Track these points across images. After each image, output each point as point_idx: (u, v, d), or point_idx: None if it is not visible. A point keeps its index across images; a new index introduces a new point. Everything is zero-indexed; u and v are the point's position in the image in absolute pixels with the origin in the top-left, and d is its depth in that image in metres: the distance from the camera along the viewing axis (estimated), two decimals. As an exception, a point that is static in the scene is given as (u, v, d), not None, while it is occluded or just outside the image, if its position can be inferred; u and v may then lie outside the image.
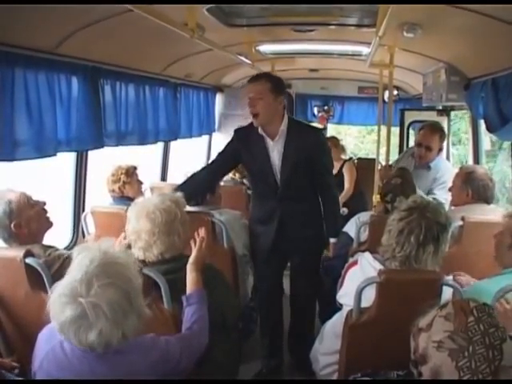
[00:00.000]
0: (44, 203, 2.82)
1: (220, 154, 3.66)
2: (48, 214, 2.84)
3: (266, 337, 3.84)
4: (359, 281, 2.25)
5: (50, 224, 2.85)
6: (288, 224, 3.50)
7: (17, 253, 2.51)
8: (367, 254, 2.45)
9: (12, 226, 2.63)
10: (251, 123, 3.45)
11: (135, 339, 1.81)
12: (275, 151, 3.41)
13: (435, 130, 4.41)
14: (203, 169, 3.72)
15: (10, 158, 2.74)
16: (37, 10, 2.45)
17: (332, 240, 3.58)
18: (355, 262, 2.55)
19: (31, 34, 2.74)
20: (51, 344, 1.80)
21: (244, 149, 3.48)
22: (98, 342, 1.66)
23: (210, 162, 3.69)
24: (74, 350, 1.73)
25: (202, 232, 2.55)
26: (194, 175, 3.61)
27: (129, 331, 1.72)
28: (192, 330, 2.17)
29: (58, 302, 1.66)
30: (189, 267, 2.35)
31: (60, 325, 1.67)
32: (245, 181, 5.19)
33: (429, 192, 4.14)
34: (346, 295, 2.44)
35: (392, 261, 2.28)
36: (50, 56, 3.01)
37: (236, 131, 3.65)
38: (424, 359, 1.43)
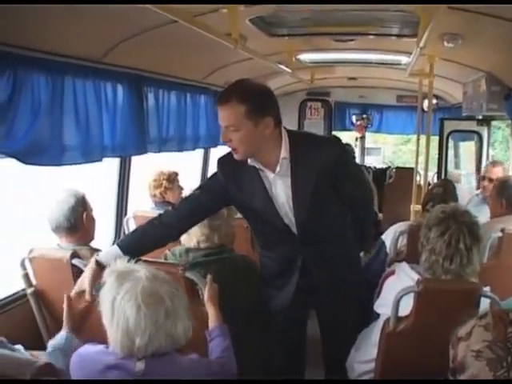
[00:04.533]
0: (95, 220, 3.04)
1: (197, 190, 2.64)
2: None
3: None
4: (396, 291, 2.26)
5: (94, 237, 3.02)
6: (313, 273, 2.62)
7: (64, 254, 2.62)
8: (404, 265, 2.46)
9: (84, 214, 2.85)
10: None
11: (180, 360, 1.85)
12: (279, 186, 2.47)
13: (497, 163, 4.64)
14: (164, 214, 2.58)
15: (58, 163, 2.82)
16: (85, 21, 2.55)
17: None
18: (392, 272, 2.57)
19: (80, 44, 2.85)
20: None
21: (233, 187, 2.51)
22: (144, 351, 1.70)
23: (175, 205, 2.68)
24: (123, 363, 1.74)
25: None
26: (147, 227, 2.56)
27: (177, 335, 1.76)
28: (222, 358, 2.15)
29: (121, 305, 1.70)
30: (206, 304, 2.32)
31: (116, 333, 1.72)
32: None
33: None
34: (383, 305, 2.45)
35: (445, 276, 2.30)
36: (97, 65, 3.10)
37: (219, 162, 2.60)
38: (462, 368, 1.44)
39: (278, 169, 2.42)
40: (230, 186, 2.50)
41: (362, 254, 3.18)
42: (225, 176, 2.52)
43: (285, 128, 2.48)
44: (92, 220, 2.94)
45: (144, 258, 2.30)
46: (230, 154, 2.48)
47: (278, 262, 2.65)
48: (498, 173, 4.46)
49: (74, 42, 2.78)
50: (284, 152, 2.40)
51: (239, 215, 3.14)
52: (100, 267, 2.29)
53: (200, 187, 2.65)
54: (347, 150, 2.79)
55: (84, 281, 2.34)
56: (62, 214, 2.82)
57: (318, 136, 2.83)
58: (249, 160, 2.42)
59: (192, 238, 2.67)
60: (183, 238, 2.71)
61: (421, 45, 2.87)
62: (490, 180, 4.46)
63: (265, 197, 2.46)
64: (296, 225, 2.51)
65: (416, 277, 2.31)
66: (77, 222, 2.84)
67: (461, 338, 1.47)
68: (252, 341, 2.66)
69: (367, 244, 3.07)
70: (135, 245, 2.46)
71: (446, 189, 3.52)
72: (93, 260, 2.38)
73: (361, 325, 2.67)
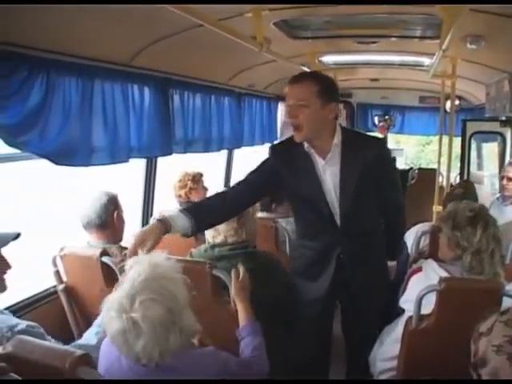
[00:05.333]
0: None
1: (251, 173, 2.76)
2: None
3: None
4: (423, 287, 2.30)
5: (122, 238, 3.11)
6: (348, 267, 2.73)
7: (94, 251, 2.70)
8: (431, 262, 2.50)
9: (115, 213, 2.95)
10: (290, 140, 2.64)
11: (192, 353, 1.85)
12: (328, 173, 2.61)
13: None
14: (223, 193, 2.77)
15: (87, 163, 2.90)
16: (114, 25, 2.63)
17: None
18: (419, 269, 2.60)
19: (109, 48, 2.93)
20: (110, 359, 1.83)
21: (285, 171, 2.66)
22: (143, 355, 1.68)
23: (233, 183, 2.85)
24: (132, 366, 1.75)
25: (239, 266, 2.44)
26: (207, 201, 2.79)
27: (169, 349, 1.70)
28: (252, 358, 2.16)
29: (107, 315, 1.70)
30: (235, 300, 2.36)
31: (110, 336, 1.73)
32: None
33: None
34: (408, 301, 2.49)
35: (490, 269, 2.36)
36: (125, 68, 3.18)
37: (272, 148, 2.82)
38: (483, 362, 1.47)
39: (329, 156, 2.58)
40: (282, 171, 2.65)
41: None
42: (278, 161, 2.68)
43: (339, 123, 2.65)
44: (122, 220, 3.04)
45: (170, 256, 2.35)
46: (283, 141, 2.85)
47: (317, 253, 2.73)
48: None
49: (103, 46, 2.86)
50: (336, 140, 2.57)
51: (261, 215, 3.24)
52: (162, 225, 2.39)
53: (253, 171, 2.75)
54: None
55: (146, 233, 2.35)
56: (94, 211, 2.92)
57: (368, 135, 3.02)
58: (305, 145, 2.58)
59: (220, 232, 2.74)
60: (209, 234, 2.78)
61: (443, 47, 2.90)
62: (509, 179, 4.49)
63: (315, 182, 2.60)
64: (340, 214, 2.64)
65: (444, 274, 2.36)
66: (107, 219, 2.93)
67: (482, 334, 1.51)
68: (277, 336, 2.69)
69: (396, 253, 3.14)
70: (200, 214, 2.55)
71: (466, 189, 3.58)
72: (155, 217, 2.61)
73: (382, 323, 2.76)
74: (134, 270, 1.77)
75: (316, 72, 2.67)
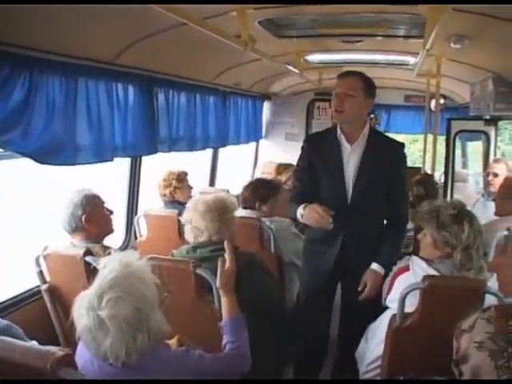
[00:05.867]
0: (112, 212, 3.10)
1: (300, 172, 3.19)
2: (113, 222, 3.11)
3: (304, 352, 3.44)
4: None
5: (112, 230, 3.09)
6: (350, 249, 3.04)
7: (77, 251, 2.68)
8: (418, 260, 2.51)
9: (83, 218, 2.89)
10: (326, 130, 3.19)
11: (161, 354, 1.82)
12: (351, 159, 3.01)
13: (500, 159, 4.83)
14: (304, 190, 3.10)
15: (71, 163, 2.88)
16: (98, 23, 2.61)
17: (376, 268, 2.98)
18: (406, 268, 2.60)
19: (93, 46, 2.91)
20: (84, 360, 1.80)
21: (316, 155, 3.07)
22: (110, 354, 1.68)
23: (298, 184, 3.18)
24: (101, 366, 1.74)
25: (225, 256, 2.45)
26: (302, 195, 3.03)
27: (135, 349, 1.69)
28: (231, 352, 2.15)
29: (77, 312, 1.70)
30: (220, 292, 2.35)
31: (79, 333, 1.72)
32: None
33: None
34: (395, 300, 2.49)
35: (478, 263, 2.40)
36: (110, 66, 3.16)
37: (308, 138, 3.45)
38: (465, 359, 1.48)
39: (356, 143, 3.01)
40: (314, 157, 3.08)
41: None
42: (311, 149, 3.12)
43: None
44: (95, 220, 2.96)
45: (154, 255, 2.34)
46: (316, 133, 3.44)
47: (326, 232, 2.90)
48: (501, 169, 4.57)
49: (87, 44, 2.84)
50: (365, 131, 3.02)
51: (245, 213, 3.25)
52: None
53: (299, 170, 3.20)
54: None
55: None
56: (64, 220, 2.92)
57: (391, 137, 3.36)
58: (338, 132, 3.03)
59: (203, 231, 2.71)
60: (191, 234, 2.75)
61: (427, 46, 2.91)
62: (495, 175, 4.60)
63: (338, 163, 3.01)
64: (352, 192, 3.00)
65: (433, 273, 2.38)
66: (77, 225, 2.91)
67: (464, 331, 1.53)
68: (261, 336, 2.68)
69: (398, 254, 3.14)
70: None
71: (423, 176, 4.14)
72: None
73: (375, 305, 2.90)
74: (106, 268, 1.77)
75: (363, 74, 3.04)
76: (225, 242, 2.45)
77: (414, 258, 2.56)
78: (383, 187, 3.02)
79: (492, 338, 1.44)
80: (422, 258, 2.53)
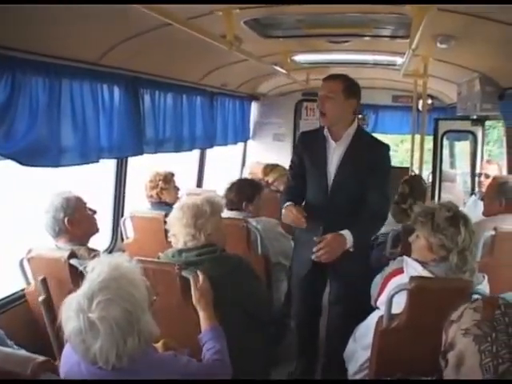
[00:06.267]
0: (95, 212, 3.06)
1: (293, 168, 3.45)
2: (97, 221, 3.07)
3: (300, 342, 3.74)
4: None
5: (97, 230, 3.05)
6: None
7: (61, 254, 2.65)
8: (413, 262, 2.50)
9: (65, 220, 2.85)
10: (317, 128, 3.41)
11: (151, 358, 1.81)
12: (335, 155, 3.21)
13: (492, 160, 4.89)
14: (296, 186, 3.39)
15: (56, 164, 2.85)
16: (82, 24, 2.58)
17: (343, 232, 3.01)
18: (399, 271, 2.58)
19: (78, 46, 2.88)
20: (69, 364, 1.80)
21: (306, 151, 3.34)
22: (99, 357, 1.65)
23: (291, 179, 3.47)
24: (90, 370, 1.72)
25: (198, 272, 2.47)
26: (293, 191, 3.36)
27: (126, 352, 1.68)
28: (214, 361, 2.14)
29: (65, 314, 1.68)
30: (196, 306, 2.36)
31: (68, 336, 1.69)
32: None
33: None
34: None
35: (466, 266, 2.39)
36: (94, 67, 3.13)
37: (301, 134, 3.65)
38: (451, 346, 1.50)
39: (340, 141, 3.21)
40: (304, 152, 3.33)
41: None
42: (303, 144, 3.40)
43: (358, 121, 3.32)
44: (79, 223, 2.93)
45: (139, 258, 2.31)
46: (308, 131, 3.62)
47: (310, 216, 3.12)
48: (493, 170, 4.61)
49: (71, 44, 2.81)
50: (350, 131, 3.21)
51: (231, 215, 3.24)
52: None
53: (293, 167, 3.46)
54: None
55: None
56: (47, 224, 2.88)
57: (378, 138, 3.46)
58: (324, 130, 3.24)
59: (179, 238, 2.68)
60: (172, 240, 2.73)
61: (413, 46, 2.90)
62: (487, 176, 4.65)
63: (323, 158, 3.23)
64: (331, 186, 3.21)
65: (428, 275, 2.38)
66: (60, 228, 2.87)
67: (453, 321, 1.54)
68: (250, 337, 2.70)
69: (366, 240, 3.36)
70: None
71: (412, 187, 4.06)
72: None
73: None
74: (94, 271, 1.75)
75: (345, 75, 3.25)
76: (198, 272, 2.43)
77: (409, 260, 2.55)
78: (362, 184, 3.15)
79: (477, 324, 1.47)
80: (417, 261, 2.52)
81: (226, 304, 2.46)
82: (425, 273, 2.41)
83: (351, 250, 3.01)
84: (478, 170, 4.93)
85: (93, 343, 1.64)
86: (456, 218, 2.43)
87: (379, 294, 2.66)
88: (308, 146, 3.35)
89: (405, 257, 2.60)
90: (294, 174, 3.44)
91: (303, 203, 3.36)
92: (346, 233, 3.00)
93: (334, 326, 3.47)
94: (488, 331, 1.44)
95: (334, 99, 3.12)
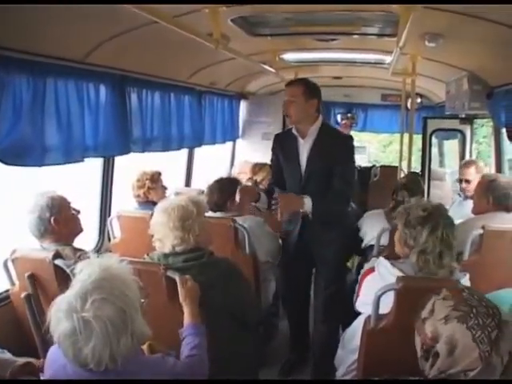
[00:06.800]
0: (79, 212, 3.03)
1: (273, 162, 3.88)
2: (81, 221, 3.04)
3: (292, 331, 4.07)
4: (378, 288, 2.28)
5: (81, 229, 3.02)
6: (310, 222, 3.56)
7: (46, 254, 2.62)
8: (383, 261, 2.49)
9: (52, 219, 2.82)
10: (288, 129, 3.81)
11: (141, 360, 1.81)
12: (304, 150, 3.58)
13: (469, 163, 4.78)
14: (276, 181, 3.81)
15: (40, 164, 2.82)
16: (67, 21, 2.55)
17: (305, 205, 3.42)
18: (372, 270, 2.59)
19: (62, 44, 2.85)
20: (55, 367, 1.78)
21: (280, 150, 3.74)
22: (91, 359, 1.64)
23: (273, 175, 3.95)
24: (77, 372, 1.70)
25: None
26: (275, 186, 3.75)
27: (119, 352, 1.67)
28: (192, 358, 2.13)
29: (55, 316, 1.66)
30: (182, 303, 2.34)
31: (57, 338, 1.66)
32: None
33: None
34: (365, 303, 2.48)
35: (438, 271, 2.36)
36: (80, 65, 3.10)
37: (275, 136, 3.96)
38: (435, 339, 1.57)
39: (307, 137, 3.58)
40: (279, 151, 3.75)
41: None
42: (277, 144, 3.79)
43: (323, 117, 3.67)
44: (65, 222, 2.90)
45: (124, 258, 2.28)
46: (281, 132, 4.29)
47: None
48: (471, 174, 4.59)
49: (56, 42, 2.78)
50: (314, 127, 3.57)
51: (216, 214, 3.22)
52: None
53: (273, 161, 3.86)
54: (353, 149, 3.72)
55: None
56: (31, 224, 2.84)
57: (342, 132, 4.21)
58: (293, 129, 3.64)
59: (166, 243, 2.59)
60: (157, 245, 2.64)
61: (400, 44, 2.90)
62: (467, 181, 4.62)
63: (294, 154, 3.62)
64: (304, 176, 3.58)
65: (398, 273, 2.35)
66: (46, 227, 2.84)
67: (425, 318, 1.64)
68: (239, 340, 2.68)
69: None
70: None
71: (409, 178, 4.10)
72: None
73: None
74: (84, 272, 1.74)
75: (305, 78, 3.65)
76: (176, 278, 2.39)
77: (381, 258, 2.56)
78: (329, 172, 3.52)
79: (454, 308, 1.57)
80: (388, 258, 2.53)
81: (214, 309, 2.43)
82: (394, 270, 2.40)
83: (310, 216, 3.46)
84: (458, 175, 4.90)
85: (85, 344, 1.62)
86: (426, 220, 2.39)
87: (357, 295, 2.66)
88: (282, 145, 3.76)
89: (380, 257, 2.60)
90: (274, 172, 3.89)
91: None
92: (307, 199, 3.41)
93: (320, 289, 3.85)
94: (467, 309, 1.55)
95: (295, 102, 3.49)
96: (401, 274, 2.36)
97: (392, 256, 2.62)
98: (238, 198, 3.58)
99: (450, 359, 1.54)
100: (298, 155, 3.62)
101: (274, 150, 3.84)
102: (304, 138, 3.60)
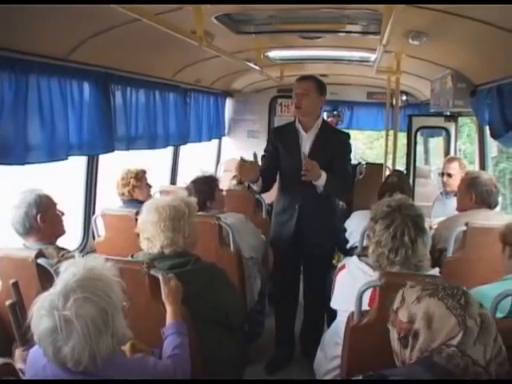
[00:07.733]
0: (63, 213, 3.01)
1: (266, 153, 3.98)
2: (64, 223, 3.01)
3: (278, 325, 4.14)
4: (348, 284, 2.30)
5: (64, 231, 3.00)
6: (306, 212, 3.79)
7: (29, 253, 2.59)
8: (353, 257, 2.54)
9: (38, 217, 2.79)
10: (287, 123, 4.05)
11: (121, 361, 1.80)
12: (307, 142, 3.79)
13: (453, 158, 4.83)
14: (265, 169, 3.85)
15: (22, 162, 2.79)
16: (50, 18, 2.54)
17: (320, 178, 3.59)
18: (343, 267, 2.61)
19: (45, 41, 2.82)
20: (35, 369, 1.78)
21: (280, 141, 3.87)
22: (70, 358, 1.63)
23: (264, 162, 3.98)
24: (57, 373, 1.69)
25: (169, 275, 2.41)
26: (264, 172, 3.79)
27: (99, 352, 1.67)
28: (174, 357, 2.12)
29: (37, 313, 1.65)
30: (165, 302, 2.32)
31: (38, 336, 1.66)
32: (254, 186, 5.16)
33: None
34: (339, 300, 2.50)
35: (390, 267, 2.34)
36: (63, 63, 3.08)
37: (273, 129, 4.32)
38: (412, 321, 1.61)
39: (311, 131, 3.79)
40: (278, 143, 3.87)
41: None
42: (276, 137, 3.93)
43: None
44: (51, 221, 2.88)
45: (108, 257, 2.27)
46: (281, 125, 4.32)
47: (288, 197, 3.88)
48: (455, 168, 4.59)
49: (38, 39, 2.76)
50: (318, 122, 3.82)
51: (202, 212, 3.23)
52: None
53: (266, 152, 3.96)
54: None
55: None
56: (16, 221, 2.80)
57: (339, 129, 4.43)
58: (296, 123, 3.84)
59: (155, 244, 2.56)
60: (145, 245, 2.61)
61: (383, 42, 2.90)
62: (449, 175, 4.62)
63: (296, 146, 3.79)
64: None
65: (365, 268, 2.39)
66: (32, 225, 2.80)
67: (398, 308, 1.70)
68: (225, 344, 2.68)
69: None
70: (264, 177, 3.76)
71: (400, 178, 4.02)
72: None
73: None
74: (69, 271, 1.73)
75: (315, 75, 3.88)
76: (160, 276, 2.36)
77: (353, 256, 2.59)
78: (329, 164, 3.67)
79: (423, 288, 1.65)
80: (358, 255, 2.58)
81: (198, 318, 2.42)
82: (361, 265, 2.44)
83: (321, 189, 3.63)
84: (440, 169, 4.92)
85: (65, 342, 1.62)
86: (386, 216, 2.38)
87: (332, 292, 2.66)
88: (281, 137, 3.89)
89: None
90: (267, 160, 3.93)
91: (278, 188, 4.01)
92: (324, 173, 3.56)
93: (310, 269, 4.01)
94: (434, 286, 1.63)
95: (309, 95, 3.69)
96: (367, 268, 2.41)
97: None
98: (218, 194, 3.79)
99: (430, 333, 1.56)
100: (300, 147, 3.77)
101: (271, 140, 3.97)
102: (307, 131, 3.80)
